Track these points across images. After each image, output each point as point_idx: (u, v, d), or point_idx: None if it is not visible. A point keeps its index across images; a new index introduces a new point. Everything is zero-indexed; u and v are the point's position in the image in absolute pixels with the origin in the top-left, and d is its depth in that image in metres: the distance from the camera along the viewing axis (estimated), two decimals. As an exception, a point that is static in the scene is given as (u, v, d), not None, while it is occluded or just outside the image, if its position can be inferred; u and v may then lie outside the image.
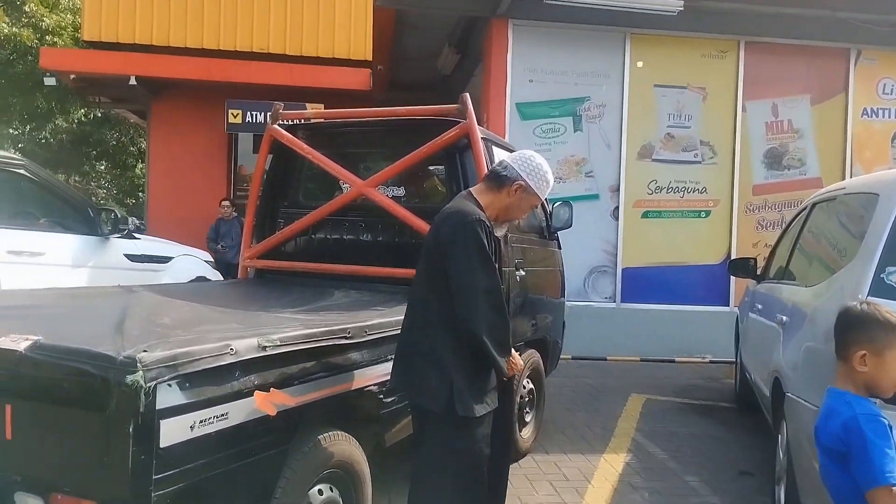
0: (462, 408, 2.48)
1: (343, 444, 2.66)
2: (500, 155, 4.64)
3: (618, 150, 8.50)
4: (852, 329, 1.93)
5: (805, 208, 4.83)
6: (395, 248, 4.56)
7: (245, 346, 2.25)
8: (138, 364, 1.90)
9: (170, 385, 1.98)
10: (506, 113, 8.35)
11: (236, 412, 2.19)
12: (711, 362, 8.10)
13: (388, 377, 2.94)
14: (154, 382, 1.92)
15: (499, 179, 2.77)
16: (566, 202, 5.09)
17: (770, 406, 3.93)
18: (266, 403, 2.27)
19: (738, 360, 6.40)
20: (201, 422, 2.06)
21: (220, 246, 9.17)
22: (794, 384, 3.31)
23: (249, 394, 2.24)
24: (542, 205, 5.19)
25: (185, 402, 2.03)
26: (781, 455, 3.61)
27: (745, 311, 6.06)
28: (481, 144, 4.23)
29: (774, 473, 3.75)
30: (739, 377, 6.22)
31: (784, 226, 5.56)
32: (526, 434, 4.70)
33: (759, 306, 4.97)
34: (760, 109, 8.69)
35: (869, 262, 2.77)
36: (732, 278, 8.41)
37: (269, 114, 4.75)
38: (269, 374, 2.35)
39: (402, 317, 2.77)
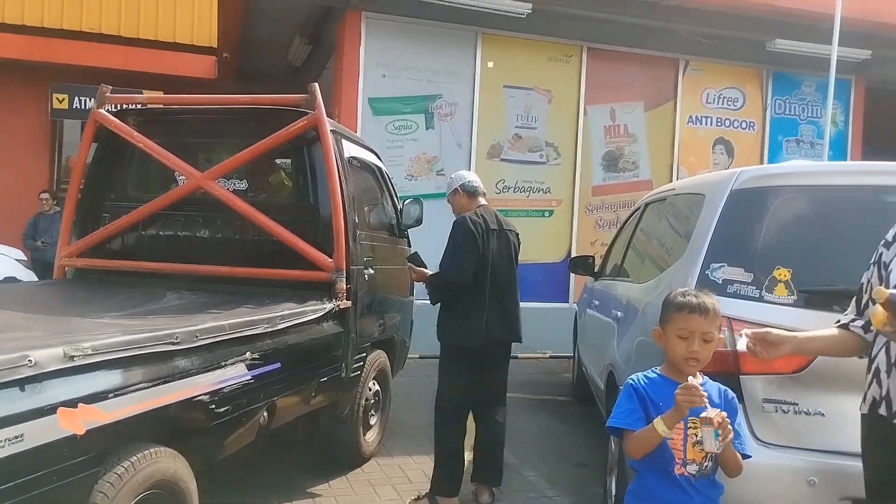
0: None
1: (166, 462, 2.43)
2: (350, 149, 4.53)
3: (468, 149, 8.63)
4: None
5: (638, 209, 5.10)
6: (235, 246, 4.32)
7: (47, 357, 1.98)
8: None
9: (-53, 406, 1.70)
10: (358, 107, 8.23)
11: (34, 433, 1.92)
12: (552, 357, 8.41)
13: (221, 385, 2.76)
14: (-75, 404, 1.64)
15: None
16: (416, 199, 5.06)
17: (604, 398, 4.11)
18: (72, 421, 2.02)
19: (576, 354, 6.69)
20: (-11, 447, 1.79)
21: (39, 242, 8.30)
22: (626, 376, 3.45)
23: (53, 411, 1.98)
24: (393, 201, 5.13)
25: (-32, 424, 1.75)
26: (613, 446, 3.77)
27: (583, 308, 6.33)
28: (330, 137, 4.09)
29: (606, 465, 3.91)
30: (577, 371, 6.50)
31: (619, 225, 5.86)
32: (370, 437, 4.62)
33: (596, 302, 5.20)
34: (600, 114, 9.17)
35: (695, 259, 2.93)
36: (572, 276, 8.80)
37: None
38: (78, 388, 2.09)
39: (248, 317, 3.10)
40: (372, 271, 4.43)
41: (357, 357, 4.21)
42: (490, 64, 8.75)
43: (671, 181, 9.20)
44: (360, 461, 4.47)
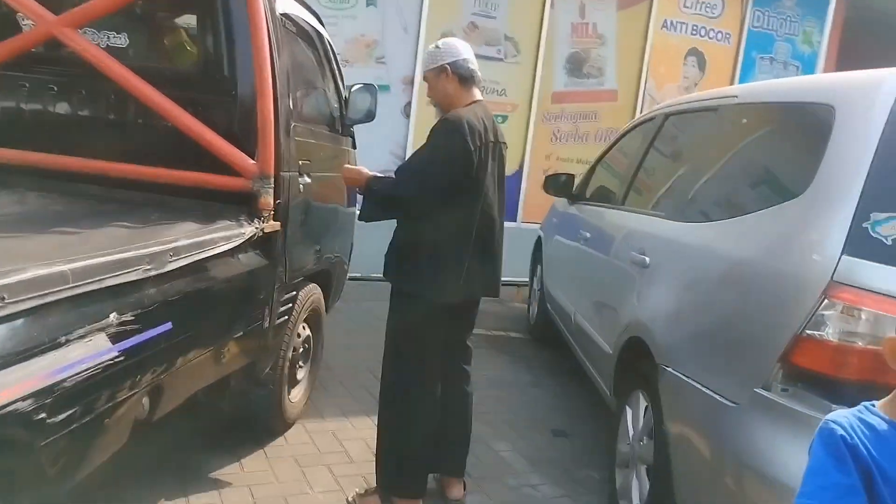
0: None
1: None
2: (283, 3, 3.19)
3: (415, 36, 7.22)
4: None
5: (648, 120, 4.07)
6: (110, 130, 3.01)
7: None
8: None
9: None
10: (283, -30, 6.63)
11: None
12: (499, 283, 7.47)
13: (60, 376, 1.57)
14: None
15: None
16: (369, 86, 3.80)
17: (613, 368, 3.14)
18: None
19: (537, 286, 5.75)
20: None
21: None
22: (676, 356, 2.47)
23: None
24: (337, 86, 3.85)
25: None
26: (631, 432, 2.85)
27: (552, 233, 5.35)
28: (255, -18, 2.75)
29: (615, 454, 2.99)
30: (539, 306, 5.57)
31: (612, 141, 4.81)
32: (296, 395, 3.51)
33: (587, 234, 4.19)
34: (568, 7, 7.88)
35: (836, 203, 1.91)
36: (522, 191, 7.82)
37: None
38: None
39: (116, 256, 1.87)
40: (308, 180, 3.20)
41: (285, 298, 3.05)
42: (443, -64, 7.26)
43: (638, 92, 8.23)
44: (282, 427, 3.39)
